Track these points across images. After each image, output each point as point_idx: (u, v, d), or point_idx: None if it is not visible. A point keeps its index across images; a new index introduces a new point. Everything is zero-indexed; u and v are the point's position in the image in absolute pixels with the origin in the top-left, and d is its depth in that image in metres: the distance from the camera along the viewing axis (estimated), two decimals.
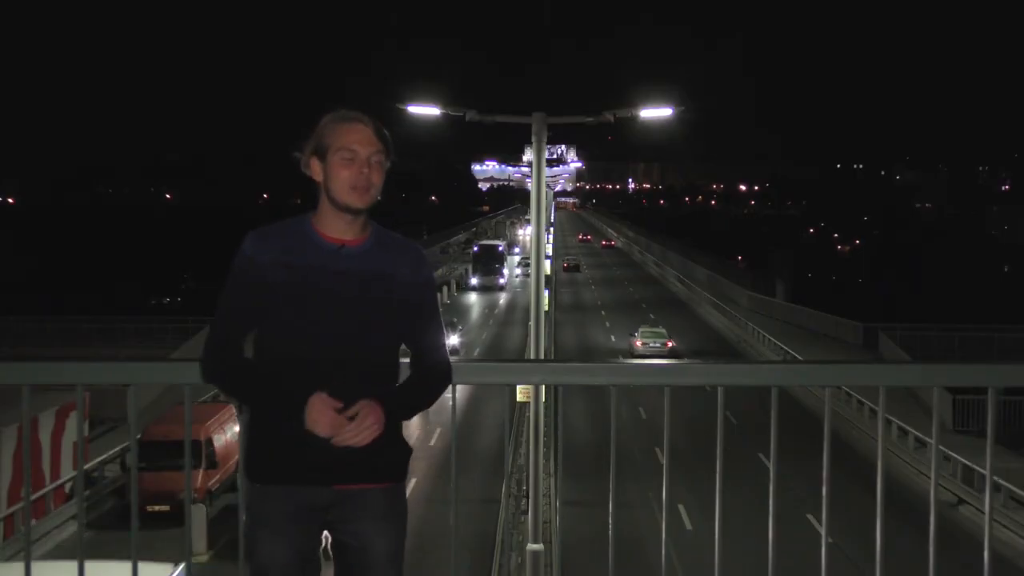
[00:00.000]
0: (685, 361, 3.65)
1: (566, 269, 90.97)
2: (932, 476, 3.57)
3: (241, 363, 3.06)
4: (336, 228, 3.07)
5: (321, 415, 2.94)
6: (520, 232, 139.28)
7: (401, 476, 3.17)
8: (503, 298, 71.85)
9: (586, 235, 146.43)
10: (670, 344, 47.65)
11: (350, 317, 3.02)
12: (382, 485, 3.11)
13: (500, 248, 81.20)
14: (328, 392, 2.96)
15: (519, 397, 26.09)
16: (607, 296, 74.61)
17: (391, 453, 3.12)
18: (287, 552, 3.04)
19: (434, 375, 3.17)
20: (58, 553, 21.40)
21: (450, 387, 3.28)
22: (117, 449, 26.96)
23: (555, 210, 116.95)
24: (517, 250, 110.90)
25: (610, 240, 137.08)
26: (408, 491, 3.27)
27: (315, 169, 3.08)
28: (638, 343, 47.47)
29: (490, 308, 66.66)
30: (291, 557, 3.05)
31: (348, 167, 3.03)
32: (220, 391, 3.20)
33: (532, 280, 20.64)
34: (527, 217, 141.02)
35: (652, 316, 58.97)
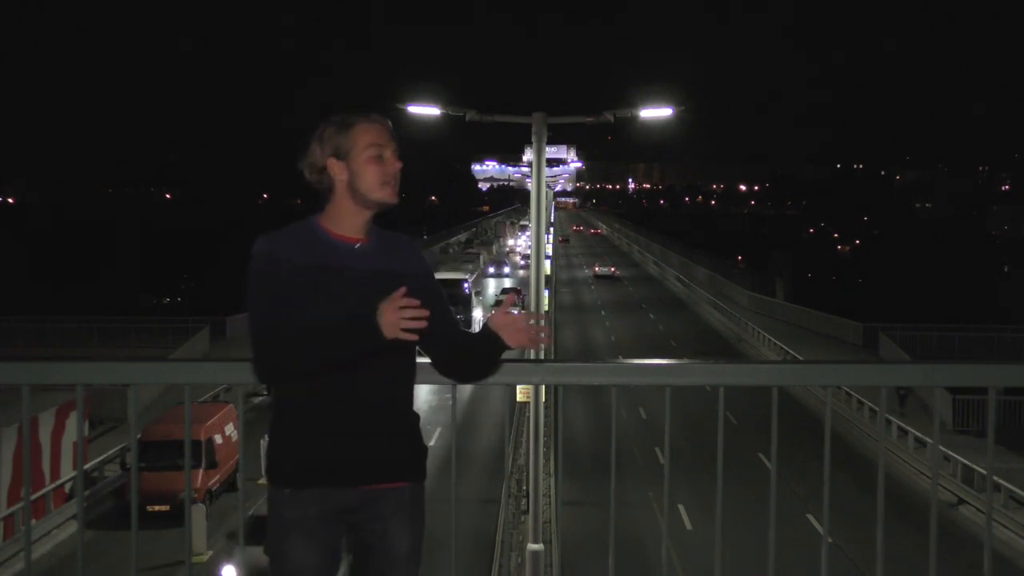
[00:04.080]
0: (685, 361, 3.66)
1: (561, 242, 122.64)
2: (932, 476, 3.57)
3: (293, 343, 3.01)
4: (348, 227, 3.10)
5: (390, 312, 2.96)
6: (512, 242, 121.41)
7: (423, 475, 3.21)
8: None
9: (579, 226, 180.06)
10: (613, 269, 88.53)
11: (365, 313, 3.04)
12: (407, 484, 3.15)
13: (465, 286, 53.68)
14: (357, 389, 3.03)
15: (519, 397, 26.11)
16: (608, 296, 74.70)
17: (415, 452, 3.17)
18: (319, 555, 3.06)
19: (478, 354, 3.23)
20: (58, 553, 21.41)
21: (450, 387, 3.28)
22: (117, 449, 26.96)
23: (555, 210, 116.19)
24: (507, 269, 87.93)
25: (598, 229, 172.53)
26: None
27: (336, 169, 3.09)
28: (596, 269, 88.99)
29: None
30: (322, 560, 3.07)
31: (377, 164, 3.09)
32: (288, 377, 3.05)
33: (532, 281, 20.63)
34: (523, 222, 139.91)
35: (608, 259, 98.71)
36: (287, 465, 3.07)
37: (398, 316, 2.93)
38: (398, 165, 3.12)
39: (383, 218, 3.24)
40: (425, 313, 2.96)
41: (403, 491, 3.13)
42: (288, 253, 3.04)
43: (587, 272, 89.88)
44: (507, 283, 75.92)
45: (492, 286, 74.73)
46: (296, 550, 3.04)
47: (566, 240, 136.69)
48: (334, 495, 3.04)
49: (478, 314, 54.98)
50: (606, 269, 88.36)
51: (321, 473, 3.03)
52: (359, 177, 3.08)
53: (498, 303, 58.60)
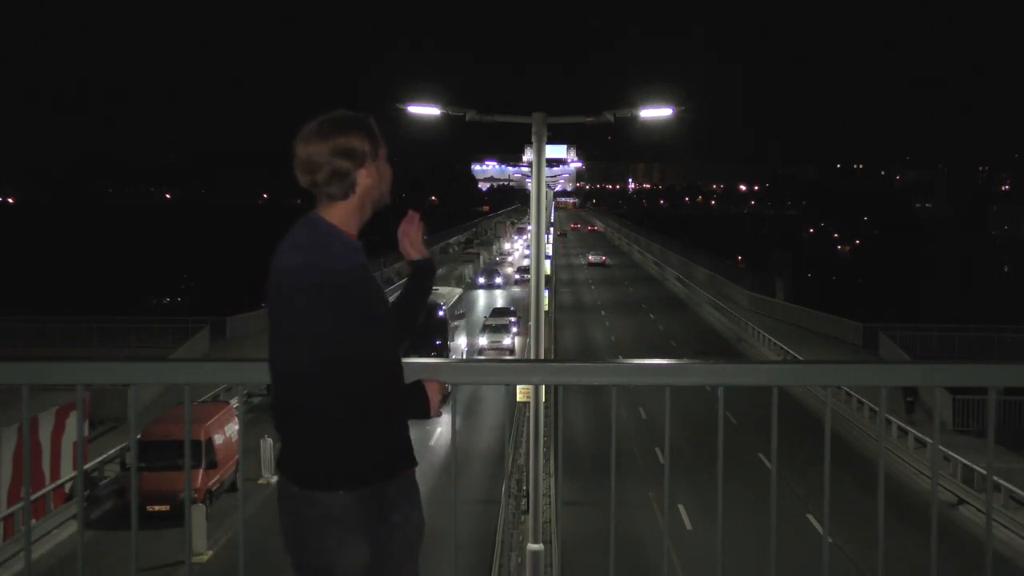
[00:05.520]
0: (685, 361, 3.66)
1: (559, 235, 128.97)
2: (932, 476, 3.57)
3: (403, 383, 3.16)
4: (355, 228, 3.10)
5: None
6: (508, 246, 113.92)
7: None
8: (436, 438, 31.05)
9: (577, 224, 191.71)
10: (604, 258, 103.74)
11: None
12: (414, 467, 3.23)
13: (440, 313, 45.36)
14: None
15: (519, 397, 26.11)
16: (607, 295, 74.75)
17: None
18: (367, 549, 3.06)
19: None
20: (58, 553, 21.40)
21: (450, 387, 3.31)
22: (117, 449, 26.96)
23: (555, 210, 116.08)
24: (499, 280, 77.33)
25: (595, 226, 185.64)
26: None
27: (368, 172, 3.06)
28: (590, 258, 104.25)
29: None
30: (369, 553, 3.07)
31: (390, 165, 3.13)
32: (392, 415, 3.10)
33: (532, 281, 20.64)
34: (521, 224, 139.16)
35: (601, 250, 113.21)
36: (335, 466, 3.02)
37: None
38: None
39: (379, 217, 3.24)
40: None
41: (412, 473, 3.20)
42: (359, 262, 3.03)
43: (582, 261, 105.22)
44: (499, 300, 66.15)
45: (482, 301, 66.73)
46: (355, 551, 3.03)
47: (564, 235, 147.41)
48: (379, 489, 3.07)
49: (462, 342, 48.18)
50: (598, 257, 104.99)
51: (373, 471, 3.05)
52: (384, 180, 3.10)
53: (486, 328, 49.41)
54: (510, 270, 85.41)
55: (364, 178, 3.04)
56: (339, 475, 3.01)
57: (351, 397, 2.95)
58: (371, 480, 3.05)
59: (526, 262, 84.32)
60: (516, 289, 74.13)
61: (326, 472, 3.01)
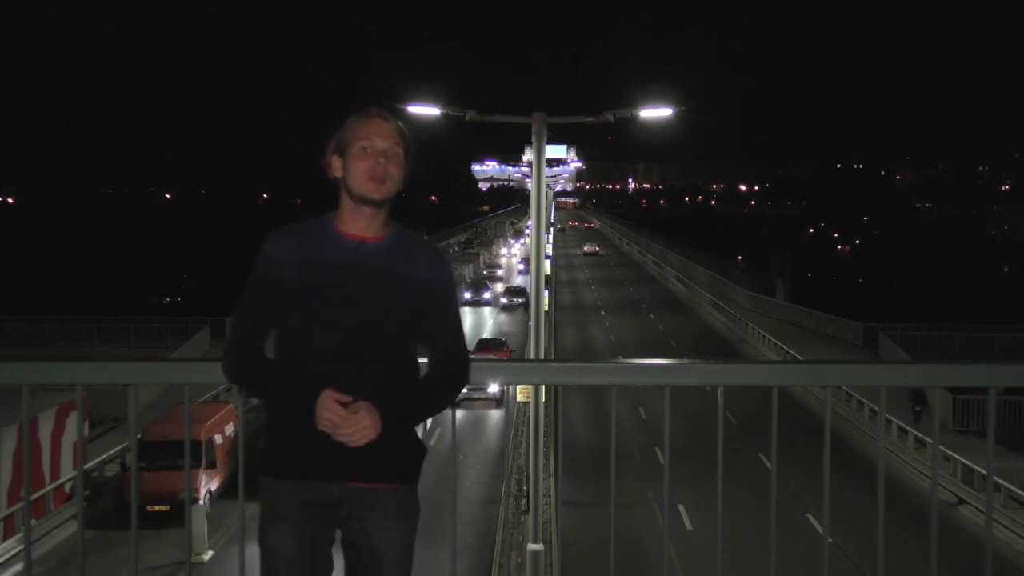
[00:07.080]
0: (685, 361, 3.69)
1: (558, 230, 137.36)
2: (932, 476, 3.57)
3: (262, 362, 3.07)
4: (357, 225, 3.08)
5: (324, 410, 2.94)
6: (504, 251, 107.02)
7: (413, 478, 3.16)
8: None
9: (575, 222, 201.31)
10: (598, 248, 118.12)
11: (362, 313, 3.03)
12: (393, 486, 3.11)
13: None
14: (341, 388, 2.96)
15: (519, 397, 26.12)
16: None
17: (403, 454, 3.12)
18: (295, 544, 3.06)
19: (444, 376, 3.14)
20: (58, 553, 21.40)
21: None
22: (117, 449, 26.94)
23: (555, 209, 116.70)
24: (487, 295, 66.74)
25: (591, 224, 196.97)
26: None
27: (335, 166, 3.10)
28: (584, 248, 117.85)
29: None
30: (299, 550, 3.06)
31: (365, 159, 3.05)
32: (243, 390, 3.21)
33: (532, 281, 20.64)
34: (520, 225, 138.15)
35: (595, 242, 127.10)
36: (273, 454, 3.09)
37: (323, 412, 2.94)
38: (394, 168, 3.07)
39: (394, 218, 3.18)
40: (362, 430, 2.94)
41: (387, 492, 3.09)
42: (287, 251, 3.04)
43: (579, 252, 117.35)
44: (488, 326, 55.96)
45: (467, 323, 54.59)
46: (273, 537, 3.06)
47: (563, 230, 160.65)
48: (314, 487, 3.05)
49: None
50: (592, 247, 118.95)
51: (301, 465, 3.04)
52: (349, 172, 3.07)
53: None
54: (499, 287, 71.88)
55: (335, 171, 3.11)
56: (267, 459, 3.11)
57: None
58: (295, 474, 3.05)
59: (520, 279, 76.45)
60: (502, 316, 60.80)
61: (263, 454, 3.14)
